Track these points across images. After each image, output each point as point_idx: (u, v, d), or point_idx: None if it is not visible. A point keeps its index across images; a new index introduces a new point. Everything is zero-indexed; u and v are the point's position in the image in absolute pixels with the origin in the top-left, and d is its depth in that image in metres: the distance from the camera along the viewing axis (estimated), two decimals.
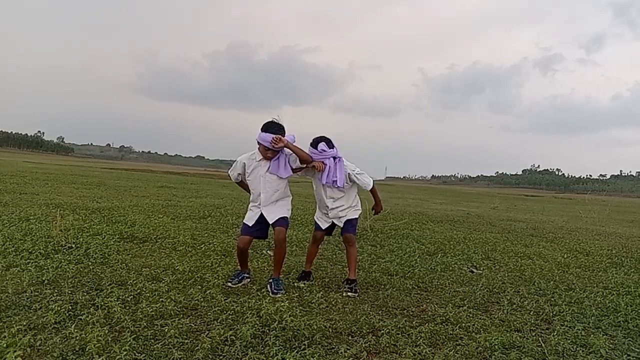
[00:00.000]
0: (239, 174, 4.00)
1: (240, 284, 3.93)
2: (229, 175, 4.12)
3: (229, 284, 3.88)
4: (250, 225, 3.89)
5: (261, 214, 3.85)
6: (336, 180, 3.96)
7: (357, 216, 4.22)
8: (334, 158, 3.98)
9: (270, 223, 3.87)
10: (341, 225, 4.14)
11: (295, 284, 4.04)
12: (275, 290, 3.75)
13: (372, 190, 4.19)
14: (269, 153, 3.77)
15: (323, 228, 4.21)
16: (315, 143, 3.96)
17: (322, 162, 3.94)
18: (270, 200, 3.87)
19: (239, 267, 4.10)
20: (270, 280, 3.89)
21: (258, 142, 3.77)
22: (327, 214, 4.16)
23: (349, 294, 3.89)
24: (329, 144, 3.96)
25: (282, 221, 3.86)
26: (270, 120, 3.79)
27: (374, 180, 4.21)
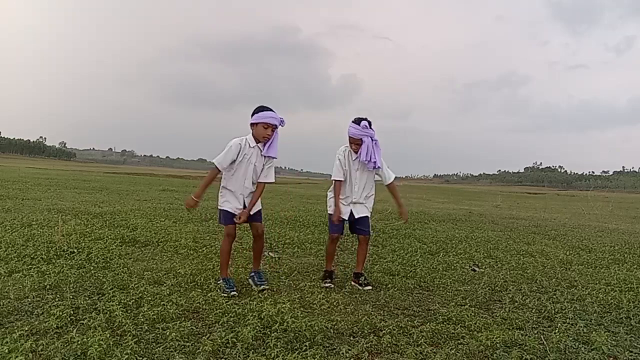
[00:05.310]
0: (232, 161, 3.82)
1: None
2: (215, 164, 3.77)
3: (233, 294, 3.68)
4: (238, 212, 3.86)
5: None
6: (374, 160, 4.11)
7: (369, 214, 4.35)
8: (372, 139, 4.11)
9: (252, 214, 3.91)
10: (357, 215, 4.24)
11: (323, 285, 4.10)
12: (259, 283, 3.85)
13: (392, 186, 4.35)
14: (269, 131, 3.80)
15: (345, 218, 4.22)
16: (358, 120, 4.09)
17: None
18: (252, 190, 3.92)
19: (224, 272, 3.89)
20: (252, 274, 3.98)
21: (256, 124, 3.80)
22: (349, 198, 4.23)
23: (367, 288, 4.12)
24: (370, 125, 4.11)
25: (260, 216, 4.01)
26: (260, 105, 3.88)
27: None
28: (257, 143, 3.86)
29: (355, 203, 4.25)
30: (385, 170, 4.30)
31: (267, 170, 3.95)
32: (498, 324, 3.29)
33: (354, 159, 4.20)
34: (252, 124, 3.86)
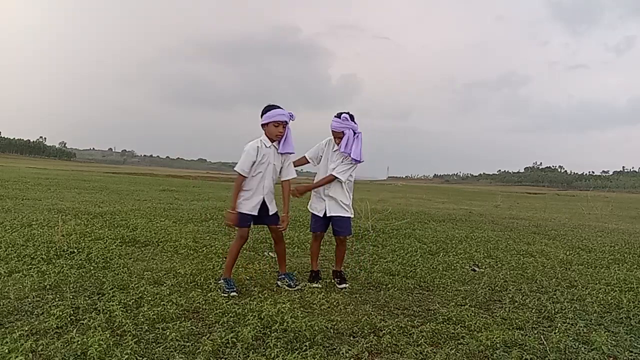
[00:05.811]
0: (253, 163, 3.80)
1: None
2: (238, 172, 3.77)
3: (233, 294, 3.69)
4: (254, 214, 3.85)
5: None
6: (351, 152, 4.10)
7: (350, 215, 4.30)
8: (354, 133, 4.13)
9: (271, 213, 3.92)
10: (331, 212, 4.19)
11: (311, 286, 4.05)
12: (293, 285, 3.94)
13: (330, 179, 4.15)
14: (281, 128, 3.81)
15: (320, 215, 4.23)
16: (339, 114, 4.14)
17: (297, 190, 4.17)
18: (271, 189, 3.94)
19: (228, 272, 3.91)
20: (283, 276, 4.04)
21: (267, 124, 3.82)
22: (323, 192, 4.22)
23: (344, 285, 4.15)
24: (352, 118, 4.14)
25: (278, 217, 3.98)
26: (267, 105, 3.89)
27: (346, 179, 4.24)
28: (272, 142, 3.88)
29: (330, 197, 4.20)
30: (341, 164, 4.15)
31: (288, 167, 4.00)
32: (498, 324, 3.29)
33: (333, 149, 4.24)
34: (262, 125, 3.87)
